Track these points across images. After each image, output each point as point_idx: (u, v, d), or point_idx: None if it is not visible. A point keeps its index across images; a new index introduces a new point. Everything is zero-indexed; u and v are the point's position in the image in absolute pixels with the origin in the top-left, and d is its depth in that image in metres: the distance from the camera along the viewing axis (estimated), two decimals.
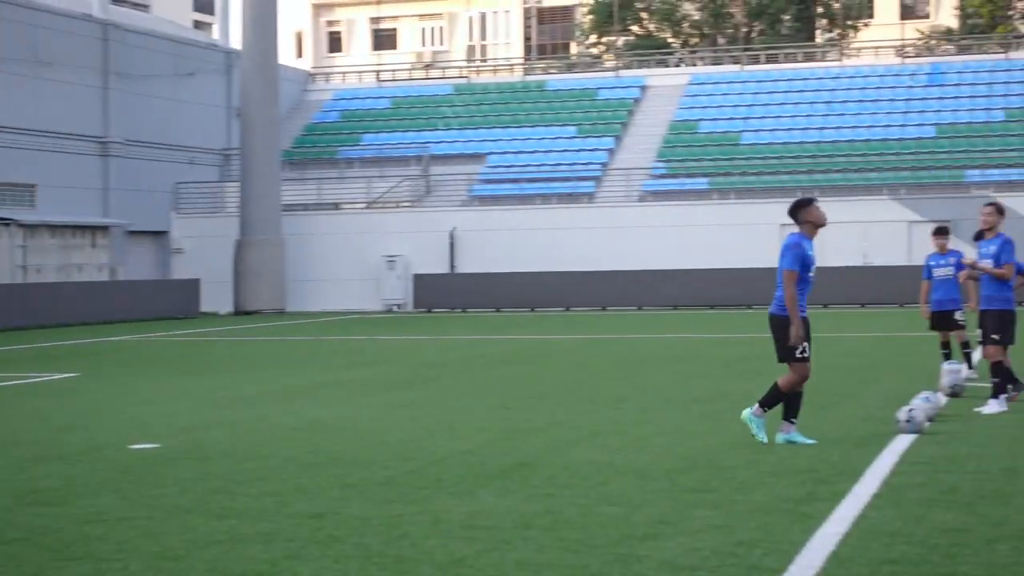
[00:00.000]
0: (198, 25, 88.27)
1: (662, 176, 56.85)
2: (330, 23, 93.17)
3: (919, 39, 77.32)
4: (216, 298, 54.88)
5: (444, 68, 78.93)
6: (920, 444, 13.81)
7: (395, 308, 54.98)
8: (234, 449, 14.50)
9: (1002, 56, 62.91)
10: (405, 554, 9.23)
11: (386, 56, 75.62)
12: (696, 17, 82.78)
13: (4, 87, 49.92)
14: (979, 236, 19.30)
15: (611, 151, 59.88)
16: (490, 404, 18.66)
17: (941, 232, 20.29)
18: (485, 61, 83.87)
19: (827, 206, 48.93)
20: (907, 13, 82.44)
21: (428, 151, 60.81)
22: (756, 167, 56.35)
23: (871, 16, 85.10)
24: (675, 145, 59.03)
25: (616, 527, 9.96)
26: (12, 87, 50.29)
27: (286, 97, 62.78)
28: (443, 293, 53.95)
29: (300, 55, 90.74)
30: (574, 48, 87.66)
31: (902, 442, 13.92)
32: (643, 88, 64.33)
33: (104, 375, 25.54)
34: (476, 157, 60.72)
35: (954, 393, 17.84)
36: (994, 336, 16.79)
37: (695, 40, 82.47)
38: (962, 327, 19.89)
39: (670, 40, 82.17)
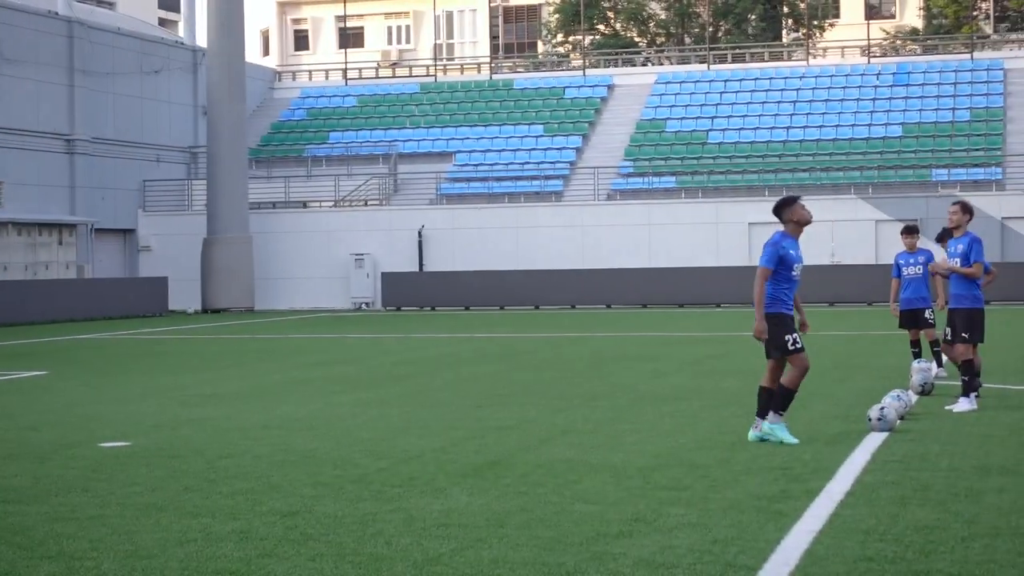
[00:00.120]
0: (163, 23, 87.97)
1: (630, 175, 56.90)
2: (296, 21, 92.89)
3: (885, 39, 77.53)
4: (184, 296, 54.75)
5: (411, 67, 78.82)
6: (892, 442, 13.85)
7: (363, 306, 54.91)
8: (205, 447, 14.45)
9: (967, 56, 63.13)
10: (380, 552, 9.21)
11: (352, 55, 75.32)
12: (662, 17, 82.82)
13: None
14: (941, 237, 19.39)
15: (578, 150, 59.91)
16: (461, 402, 18.63)
17: (910, 231, 20.36)
18: (452, 60, 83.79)
19: None
20: (872, 13, 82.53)
21: (395, 150, 60.73)
22: (723, 166, 56.45)
23: (837, 16, 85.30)
24: (642, 144, 59.09)
25: (591, 525, 9.95)
26: None
27: (253, 95, 62.67)
28: (411, 291, 53.89)
29: (266, 53, 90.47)
30: (541, 47, 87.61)
31: (874, 440, 13.95)
32: (610, 87, 64.39)
33: (73, 373, 25.43)
34: (443, 156, 60.68)
35: (924, 391, 17.89)
36: (964, 335, 16.84)
37: (661, 39, 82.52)
38: (932, 325, 19.95)
39: (636, 39, 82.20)
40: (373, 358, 28.20)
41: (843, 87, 61.39)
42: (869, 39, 67.89)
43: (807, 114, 59.55)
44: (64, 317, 47.06)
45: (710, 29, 77.35)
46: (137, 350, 32.83)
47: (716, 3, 79.72)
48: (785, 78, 62.91)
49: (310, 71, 75.18)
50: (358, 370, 25.12)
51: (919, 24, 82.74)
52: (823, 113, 59.41)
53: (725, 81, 63.25)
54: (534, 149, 60.17)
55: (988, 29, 77.69)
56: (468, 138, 61.50)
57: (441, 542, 9.49)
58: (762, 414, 14.06)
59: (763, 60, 69.23)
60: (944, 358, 20.07)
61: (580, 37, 79.65)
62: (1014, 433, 14.51)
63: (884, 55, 69.40)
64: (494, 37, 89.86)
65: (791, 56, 71.55)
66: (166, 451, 14.21)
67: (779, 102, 60.93)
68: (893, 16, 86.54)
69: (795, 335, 13.84)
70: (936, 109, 58.52)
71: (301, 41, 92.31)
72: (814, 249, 49.72)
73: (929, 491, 11.08)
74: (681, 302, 50.87)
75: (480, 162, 59.72)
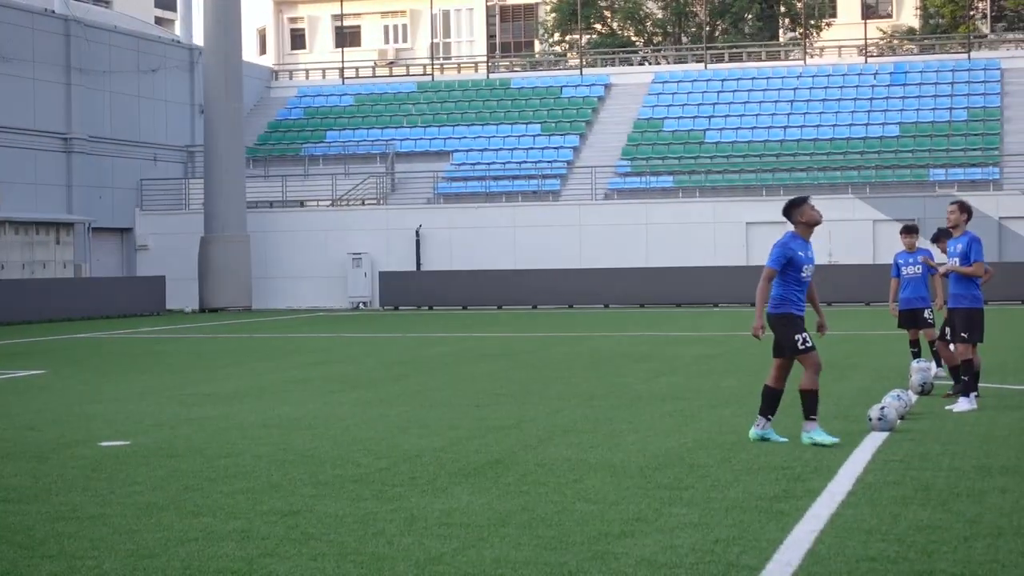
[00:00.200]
0: (159, 22, 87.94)
1: (627, 174, 56.90)
2: (293, 20, 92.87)
3: (882, 39, 77.55)
4: (181, 295, 54.71)
5: (407, 65, 78.81)
6: (893, 442, 13.84)
7: (361, 306, 54.87)
8: (205, 446, 14.44)
9: (964, 56, 63.14)
10: (381, 552, 9.21)
11: (349, 54, 75.30)
12: (659, 16, 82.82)
13: None
14: (937, 238, 19.37)
15: (576, 149, 59.89)
16: (460, 402, 18.62)
17: (910, 230, 20.33)
18: (449, 59, 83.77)
19: None
20: (869, 13, 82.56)
21: (393, 149, 60.69)
22: (721, 166, 56.44)
23: (834, 15, 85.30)
24: (640, 143, 59.08)
25: (592, 524, 9.95)
26: None
27: (249, 94, 62.65)
28: (409, 291, 53.87)
29: (263, 52, 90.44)
30: (537, 46, 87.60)
31: (875, 440, 13.95)
32: (607, 86, 64.38)
33: (71, 372, 25.40)
34: (441, 155, 60.67)
35: (924, 391, 17.89)
36: (963, 334, 16.83)
37: (658, 39, 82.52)
38: (931, 325, 19.93)
39: (633, 39, 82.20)
40: (371, 357, 28.17)
41: (840, 87, 61.40)
42: (866, 39, 67.87)
43: (804, 114, 59.55)
44: (61, 316, 47.03)
45: (707, 28, 77.32)
46: (135, 349, 32.79)
47: (713, 2, 79.73)
48: (782, 78, 62.90)
49: (307, 70, 75.13)
50: (356, 369, 25.10)
51: (916, 24, 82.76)
52: (820, 113, 59.41)
53: (722, 80, 63.24)
54: (531, 148, 60.17)
55: (985, 29, 77.74)
56: (465, 137, 61.48)
57: (443, 541, 9.49)
58: (764, 412, 14.03)
59: (760, 59, 69.24)
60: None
61: (577, 36, 79.60)
62: (1014, 433, 14.51)
63: (881, 55, 69.41)
64: (491, 36, 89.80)
65: (788, 56, 71.57)
66: (166, 450, 14.20)
67: (776, 102, 60.93)
68: (890, 16, 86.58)
69: (805, 335, 13.78)
70: (933, 109, 58.53)
71: (298, 40, 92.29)
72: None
73: (931, 491, 11.08)
74: (678, 302, 50.85)
75: (477, 161, 59.71)
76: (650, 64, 73.95)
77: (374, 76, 72.86)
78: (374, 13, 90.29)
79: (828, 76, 62.43)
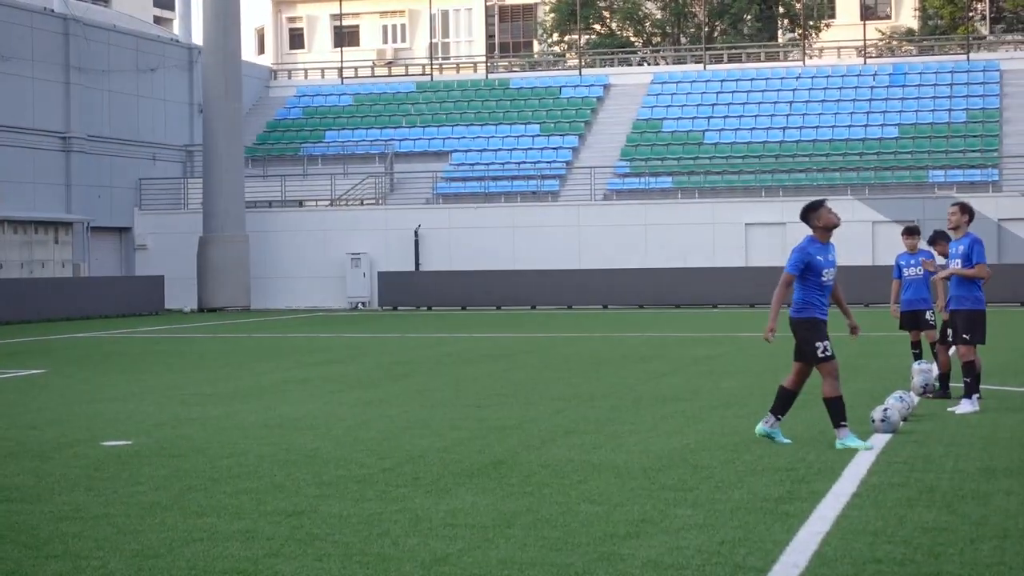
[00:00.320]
0: (158, 21, 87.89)
1: (626, 175, 56.90)
2: (291, 20, 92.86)
3: (881, 40, 77.55)
4: (180, 295, 54.69)
5: (406, 65, 78.80)
6: (896, 444, 13.83)
7: (360, 306, 54.85)
8: (207, 446, 14.42)
9: (963, 57, 63.15)
10: (387, 552, 9.20)
11: (348, 53, 75.23)
12: (658, 16, 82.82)
13: None
14: (933, 240, 19.35)
15: (575, 150, 59.89)
16: (462, 402, 18.61)
17: (911, 232, 20.29)
18: (447, 59, 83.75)
19: (791, 206, 49.04)
20: (868, 14, 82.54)
21: (392, 149, 60.68)
22: (720, 167, 56.43)
23: (832, 16, 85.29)
24: (639, 144, 59.08)
25: (598, 525, 9.94)
26: None
27: (248, 93, 62.61)
28: (408, 291, 53.84)
29: (261, 52, 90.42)
30: (536, 46, 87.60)
31: (878, 441, 13.93)
32: (606, 87, 64.38)
33: (72, 371, 25.39)
34: (440, 155, 60.66)
35: (926, 392, 17.88)
36: (965, 336, 16.83)
37: (657, 39, 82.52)
38: (932, 327, 19.89)
39: (632, 39, 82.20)
40: (371, 358, 28.16)
41: (839, 88, 61.41)
42: (865, 40, 67.86)
43: (803, 115, 59.56)
44: (60, 315, 47.00)
45: (706, 29, 77.32)
46: (135, 349, 32.77)
47: (712, 3, 79.71)
48: (781, 78, 62.90)
49: (306, 70, 75.10)
50: (356, 370, 25.08)
51: (915, 25, 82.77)
52: (819, 114, 59.41)
53: (721, 81, 63.24)
54: (530, 149, 60.17)
55: (984, 30, 77.71)
56: (464, 137, 61.47)
57: (448, 542, 9.48)
58: (775, 411, 14.00)
59: (759, 60, 69.22)
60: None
61: (576, 36, 79.58)
62: (1017, 435, 14.51)
63: (880, 56, 69.40)
64: (490, 36, 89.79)
65: (787, 56, 71.57)
66: (168, 450, 14.18)
67: (775, 102, 60.93)
68: (888, 17, 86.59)
69: (827, 343, 13.68)
70: (932, 110, 58.53)
71: (296, 39, 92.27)
72: None
73: (935, 493, 11.07)
74: (677, 303, 50.84)
75: (476, 161, 59.69)
76: (649, 65, 73.90)
77: (373, 76, 72.87)
78: (373, 13, 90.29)
79: (827, 77, 62.44)
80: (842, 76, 62.36)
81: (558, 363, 25.90)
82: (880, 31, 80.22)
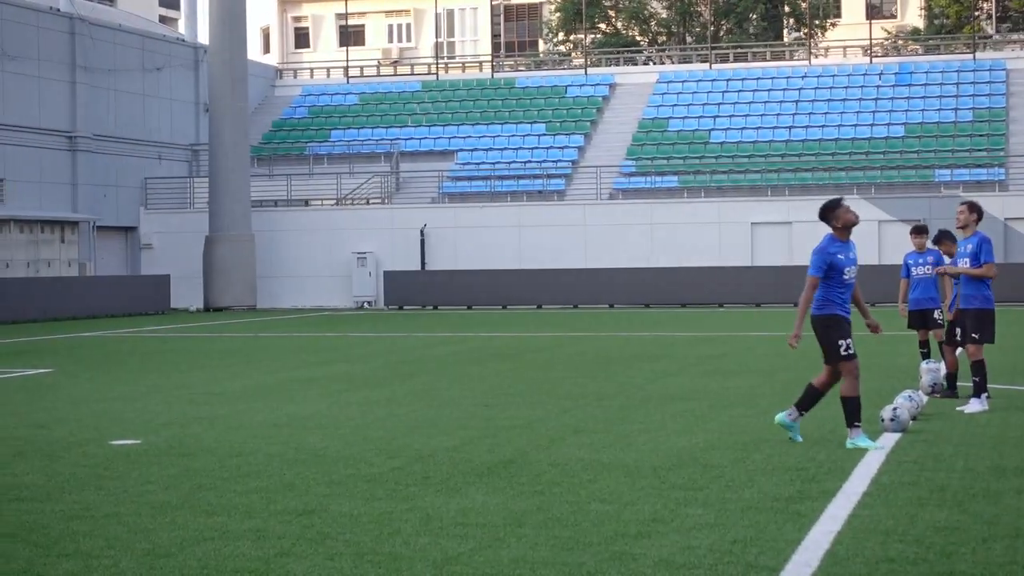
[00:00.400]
0: (163, 20, 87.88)
1: (632, 174, 56.88)
2: (297, 19, 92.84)
3: (886, 39, 77.48)
4: (186, 294, 54.70)
5: (412, 65, 78.77)
6: (906, 443, 13.81)
7: (366, 305, 54.84)
8: (216, 445, 14.41)
9: (969, 56, 63.08)
10: (398, 551, 9.19)
11: (353, 52, 75.23)
12: (663, 16, 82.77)
13: None
14: (938, 239, 19.31)
15: (580, 149, 59.89)
16: (469, 401, 18.59)
17: (920, 231, 20.27)
18: (453, 58, 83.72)
19: (797, 205, 49.01)
20: (874, 13, 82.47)
21: (397, 148, 60.67)
22: (726, 166, 56.42)
23: (838, 16, 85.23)
24: (645, 143, 59.06)
25: (609, 525, 9.93)
26: None
27: (254, 93, 62.58)
28: (414, 290, 53.82)
29: (267, 51, 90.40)
30: (542, 46, 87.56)
31: (888, 441, 13.91)
32: (612, 86, 64.37)
33: (79, 371, 25.39)
34: (445, 154, 60.65)
35: (935, 392, 17.86)
36: (974, 335, 16.80)
37: (663, 38, 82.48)
38: (941, 326, 19.85)
39: (638, 38, 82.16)
40: (377, 357, 28.15)
41: (845, 87, 61.38)
42: (871, 39, 67.81)
43: (809, 114, 59.54)
44: (66, 315, 47.01)
45: (711, 28, 77.27)
46: (141, 348, 32.78)
47: (717, 2, 79.68)
48: (787, 77, 62.88)
49: (311, 69, 75.09)
50: (363, 369, 25.07)
51: (920, 24, 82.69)
52: (825, 113, 59.39)
53: (727, 80, 63.23)
54: (536, 148, 60.15)
55: (990, 29, 77.64)
56: (470, 136, 61.46)
57: (460, 541, 9.46)
58: (799, 406, 13.95)
59: (765, 59, 69.19)
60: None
61: (581, 36, 79.56)
62: None
63: (886, 55, 69.34)
64: (495, 35, 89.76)
65: (793, 56, 71.53)
66: (177, 449, 14.18)
67: (781, 102, 60.91)
68: (894, 16, 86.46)
69: (848, 341, 13.60)
70: (939, 109, 58.50)
71: (301, 39, 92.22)
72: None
73: (946, 492, 11.05)
74: (683, 302, 50.80)
75: (482, 160, 59.69)
76: (654, 64, 73.86)
77: (379, 75, 72.84)
78: (378, 12, 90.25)
79: (833, 76, 62.42)
80: (848, 75, 62.34)
81: (565, 362, 25.89)
82: (886, 30, 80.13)
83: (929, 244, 19.90)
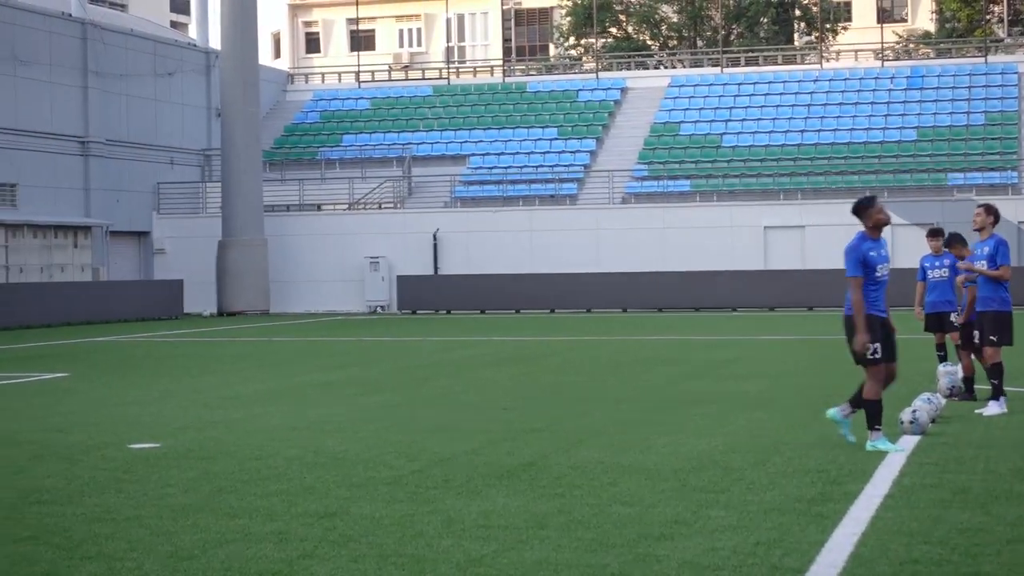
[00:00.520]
0: (174, 25, 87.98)
1: (644, 178, 56.86)
2: (307, 24, 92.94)
3: (898, 43, 77.40)
4: (199, 299, 54.73)
5: (423, 69, 78.79)
6: (926, 445, 13.78)
7: (379, 309, 54.85)
8: (235, 449, 14.41)
9: (981, 60, 63.00)
10: (421, 554, 9.18)
11: (364, 57, 75.28)
12: (674, 20, 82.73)
13: None
14: (948, 243, 19.29)
15: (592, 153, 59.86)
16: (487, 405, 18.60)
17: (935, 234, 20.23)
18: (464, 63, 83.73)
19: (810, 209, 48.88)
20: (884, 17, 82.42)
21: (409, 152, 60.70)
22: (738, 169, 56.39)
23: (849, 19, 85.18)
24: (657, 147, 59.03)
25: (631, 527, 9.91)
26: None
27: (265, 98, 62.59)
28: (427, 295, 53.82)
29: (278, 56, 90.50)
30: (552, 50, 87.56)
31: (908, 443, 13.88)
32: (623, 90, 64.35)
33: (94, 375, 25.41)
34: (457, 158, 60.68)
35: (953, 394, 17.83)
36: (992, 337, 16.78)
37: (673, 43, 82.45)
38: (957, 329, 19.82)
39: (648, 42, 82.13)
40: (392, 361, 28.15)
41: (857, 91, 61.36)
42: (883, 43, 67.75)
43: (821, 118, 59.50)
44: (80, 319, 47.07)
45: (722, 33, 77.25)
46: (156, 352, 32.82)
47: (728, 6, 79.65)
48: (799, 81, 62.85)
49: (322, 73, 75.12)
50: (378, 373, 25.08)
51: (931, 28, 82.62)
52: (837, 117, 59.36)
53: (739, 84, 63.21)
54: (548, 152, 60.14)
55: (1001, 33, 77.53)
56: (482, 141, 61.48)
57: (482, 543, 9.45)
58: (854, 403, 13.86)
59: (776, 63, 69.14)
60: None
61: (592, 40, 79.55)
62: None
63: (897, 59, 69.28)
64: (506, 40, 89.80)
65: (804, 59, 71.49)
66: (196, 452, 14.18)
67: (793, 105, 60.89)
68: (905, 20, 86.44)
69: (877, 344, 13.47)
70: (951, 113, 58.44)
71: (312, 44, 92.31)
72: (828, 253, 49.78)
73: (968, 494, 11.03)
74: (696, 306, 50.75)
75: (494, 165, 59.68)
76: (665, 68, 73.81)
77: (390, 80, 72.85)
78: (388, 17, 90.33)
79: (845, 80, 62.39)
80: (859, 79, 62.30)
81: (581, 366, 25.90)
82: (897, 34, 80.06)
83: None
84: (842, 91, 61.44)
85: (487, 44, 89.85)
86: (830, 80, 62.56)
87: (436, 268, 55.02)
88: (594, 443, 14.45)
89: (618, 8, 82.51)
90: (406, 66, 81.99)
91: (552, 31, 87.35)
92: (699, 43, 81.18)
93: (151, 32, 61.94)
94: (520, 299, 52.58)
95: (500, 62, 77.17)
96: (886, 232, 14.09)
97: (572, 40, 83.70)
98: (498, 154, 60.43)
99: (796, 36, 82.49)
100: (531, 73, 75.84)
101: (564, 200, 56.69)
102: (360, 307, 55.20)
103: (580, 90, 64.86)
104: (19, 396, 21.24)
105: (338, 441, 14.92)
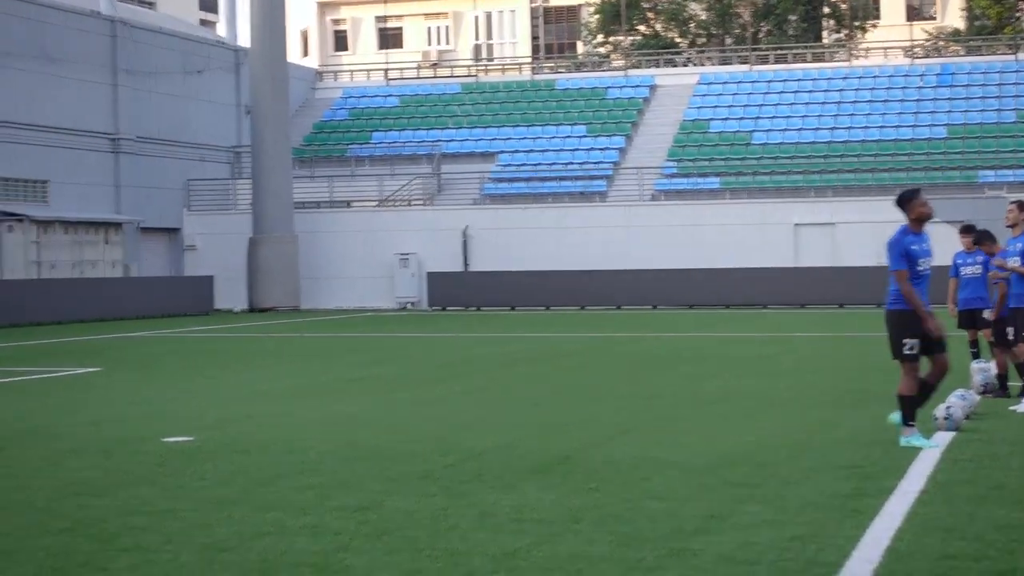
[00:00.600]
0: (202, 23, 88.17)
1: (673, 175, 56.78)
2: (336, 22, 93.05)
3: (927, 40, 77.16)
4: (228, 295, 54.81)
5: (452, 67, 78.84)
6: (960, 442, 13.75)
7: (409, 306, 54.87)
8: (269, 443, 14.44)
9: (1012, 57, 62.79)
10: (456, 547, 9.19)
11: (392, 55, 75.40)
12: (703, 17, 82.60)
13: (15, 83, 49.83)
14: (978, 240, 19.23)
15: (621, 150, 59.82)
16: (518, 400, 18.60)
17: (968, 230, 20.17)
18: (492, 60, 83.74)
19: (840, 206, 48.65)
20: (913, 14, 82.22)
21: (438, 150, 60.72)
22: (768, 167, 56.27)
23: (877, 17, 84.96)
24: (686, 144, 58.97)
25: (666, 521, 9.91)
26: (23, 83, 50.19)
27: (294, 95, 62.66)
28: (457, 291, 53.85)
29: (306, 54, 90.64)
30: (580, 48, 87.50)
31: (941, 439, 13.84)
32: (652, 87, 64.29)
33: (126, 370, 25.51)
34: (487, 156, 60.66)
35: (986, 391, 17.78)
36: None
37: (702, 40, 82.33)
38: (990, 325, 19.77)
39: (677, 40, 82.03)
40: (423, 357, 28.16)
41: (887, 88, 61.19)
42: (912, 40, 67.54)
43: (851, 115, 59.35)
44: (110, 315, 47.17)
45: (751, 30, 77.12)
46: (188, 347, 32.91)
47: (756, 4, 79.52)
48: (828, 79, 62.71)
49: (351, 71, 75.20)
50: (410, 369, 25.11)
51: (961, 25, 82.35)
52: (867, 114, 59.20)
53: (768, 82, 63.11)
54: (577, 149, 60.11)
55: None
56: (511, 138, 61.47)
57: (517, 537, 9.45)
58: (908, 419, 13.72)
59: (805, 61, 68.99)
60: None
61: (620, 38, 79.48)
62: None
63: (927, 56, 69.05)
64: (534, 37, 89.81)
65: (833, 57, 71.31)
66: (230, 446, 14.23)
67: (823, 103, 60.76)
68: (934, 17, 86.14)
69: (915, 340, 13.43)
70: (981, 110, 58.25)
71: (340, 41, 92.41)
72: (860, 250, 49.73)
73: (1004, 490, 11.00)
74: (727, 303, 50.66)
75: (523, 162, 59.68)
76: (694, 65, 73.70)
77: (418, 77, 72.90)
78: (417, 15, 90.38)
79: (874, 77, 62.23)
80: (889, 76, 62.14)
81: (611, 362, 25.91)
82: (926, 31, 79.82)
83: None
84: (872, 88, 61.28)
85: (515, 42, 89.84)
86: (860, 78, 62.41)
87: (466, 265, 55.04)
88: (626, 439, 14.46)
89: (646, 6, 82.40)
90: (434, 64, 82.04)
91: (580, 29, 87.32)
92: (727, 41, 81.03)
93: (179, 30, 62.07)
94: (550, 295, 52.57)
95: (529, 60, 77.12)
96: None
97: (600, 38, 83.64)
98: (527, 151, 60.42)
99: (824, 34, 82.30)
100: (560, 71, 75.78)
101: (593, 197, 56.65)
102: (390, 303, 55.23)
103: (609, 87, 64.82)
104: (52, 390, 21.33)
105: (371, 435, 14.95)
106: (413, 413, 17.26)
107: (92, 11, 54.50)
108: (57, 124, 51.39)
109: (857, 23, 79.01)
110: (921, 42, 73.50)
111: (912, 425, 13.48)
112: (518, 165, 59.50)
